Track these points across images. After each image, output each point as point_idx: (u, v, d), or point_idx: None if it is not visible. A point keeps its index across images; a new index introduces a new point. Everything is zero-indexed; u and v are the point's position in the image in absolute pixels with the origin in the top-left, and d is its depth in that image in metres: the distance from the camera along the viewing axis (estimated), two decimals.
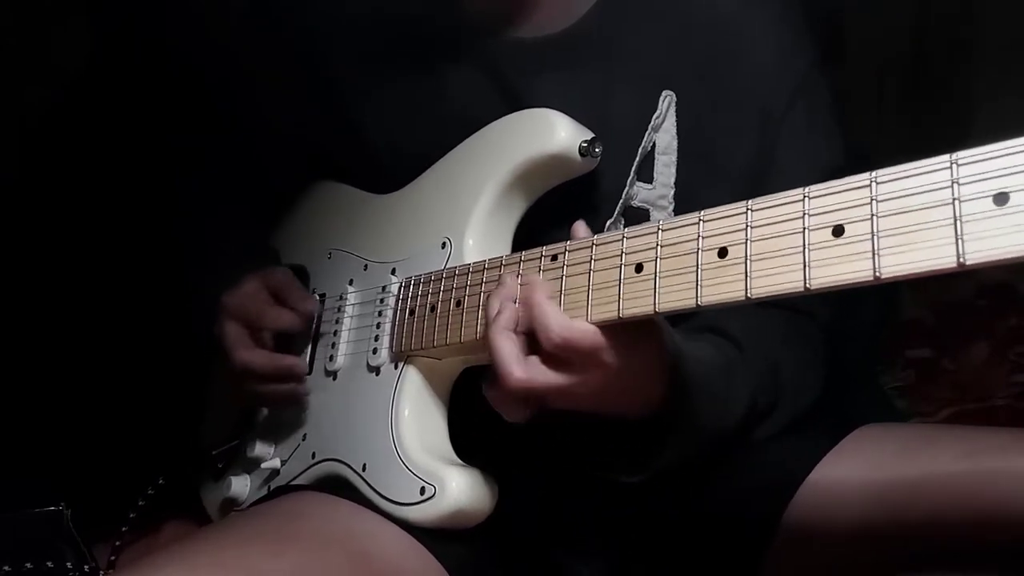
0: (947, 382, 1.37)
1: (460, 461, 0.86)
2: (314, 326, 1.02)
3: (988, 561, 0.71)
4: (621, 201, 0.91)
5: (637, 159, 0.90)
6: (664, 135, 0.91)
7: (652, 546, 0.94)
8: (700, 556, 0.91)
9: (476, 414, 0.81)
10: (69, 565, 0.95)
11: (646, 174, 0.91)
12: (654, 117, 0.90)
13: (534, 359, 0.73)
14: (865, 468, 0.82)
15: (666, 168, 0.91)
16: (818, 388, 0.93)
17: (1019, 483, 0.72)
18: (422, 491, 0.82)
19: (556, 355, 0.72)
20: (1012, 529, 0.71)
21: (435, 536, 0.83)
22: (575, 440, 0.84)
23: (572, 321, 0.71)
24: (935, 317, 1.43)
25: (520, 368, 0.72)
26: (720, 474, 0.90)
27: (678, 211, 0.92)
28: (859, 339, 1.36)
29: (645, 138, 0.90)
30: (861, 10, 1.48)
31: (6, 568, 0.94)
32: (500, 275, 0.80)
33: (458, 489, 0.81)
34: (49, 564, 0.94)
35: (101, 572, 0.96)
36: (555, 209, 0.90)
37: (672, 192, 0.92)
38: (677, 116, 0.91)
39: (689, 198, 0.91)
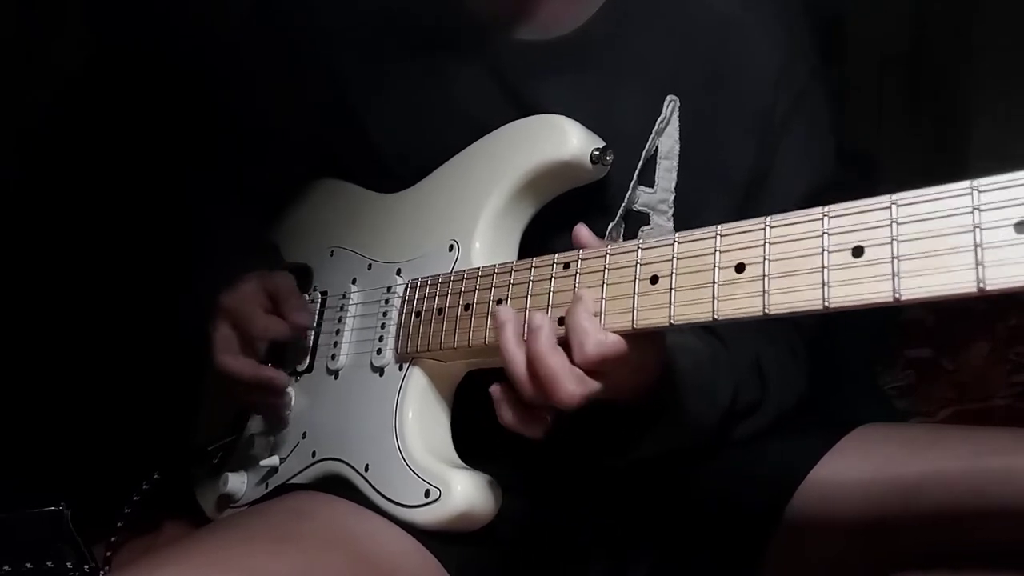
0: (947, 382, 1.38)
1: (463, 464, 0.86)
2: (315, 324, 1.01)
3: (989, 560, 0.72)
4: (623, 205, 0.91)
5: (640, 163, 0.90)
6: (667, 140, 0.91)
7: (655, 541, 0.95)
8: (702, 550, 0.92)
9: (477, 417, 0.81)
10: (69, 565, 0.94)
11: (647, 178, 0.91)
12: (658, 121, 0.90)
13: (580, 372, 0.72)
14: (866, 466, 0.83)
15: (667, 173, 0.91)
16: (801, 389, 0.94)
17: (1020, 482, 0.73)
18: (427, 493, 0.82)
19: (584, 367, 0.71)
20: (1013, 529, 0.72)
21: (437, 538, 0.83)
22: (565, 425, 0.84)
23: (607, 336, 0.70)
24: (935, 317, 1.44)
25: (575, 383, 0.71)
26: (723, 469, 0.91)
27: (677, 216, 0.92)
28: (859, 339, 1.36)
29: (649, 142, 0.90)
30: (861, 10, 1.48)
31: (6, 568, 0.94)
32: (510, 280, 0.80)
33: (464, 492, 0.81)
34: (49, 564, 0.94)
35: (101, 572, 0.96)
36: (556, 211, 0.90)
37: (672, 197, 0.92)
38: (680, 121, 0.91)
39: (688, 203, 0.92)
